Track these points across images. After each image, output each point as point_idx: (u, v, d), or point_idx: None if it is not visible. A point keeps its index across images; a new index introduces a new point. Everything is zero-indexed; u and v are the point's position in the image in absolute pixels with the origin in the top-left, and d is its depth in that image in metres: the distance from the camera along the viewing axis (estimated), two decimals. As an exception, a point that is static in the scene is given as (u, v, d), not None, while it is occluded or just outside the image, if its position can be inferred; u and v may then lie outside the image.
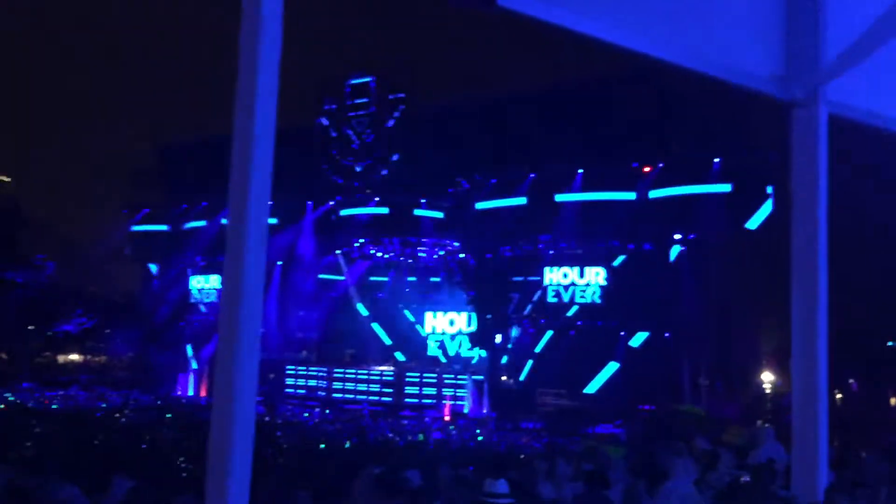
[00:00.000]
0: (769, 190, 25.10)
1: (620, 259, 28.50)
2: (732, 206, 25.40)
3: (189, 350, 37.19)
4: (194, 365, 37.04)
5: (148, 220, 39.78)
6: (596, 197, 27.92)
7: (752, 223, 25.30)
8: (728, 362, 28.44)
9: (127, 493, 7.04)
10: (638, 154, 27.33)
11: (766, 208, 25.22)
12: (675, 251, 27.38)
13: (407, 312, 35.31)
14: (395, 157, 33.80)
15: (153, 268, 40.35)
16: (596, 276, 29.11)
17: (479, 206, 30.39)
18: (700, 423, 18.03)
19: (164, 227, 38.75)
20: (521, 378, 29.78)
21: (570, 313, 29.42)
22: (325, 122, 35.50)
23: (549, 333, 29.57)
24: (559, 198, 28.57)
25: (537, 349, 29.64)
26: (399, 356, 34.12)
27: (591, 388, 27.90)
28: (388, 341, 34.96)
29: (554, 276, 29.80)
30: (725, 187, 25.69)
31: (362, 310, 35.50)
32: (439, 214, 32.36)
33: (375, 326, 35.09)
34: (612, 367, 27.76)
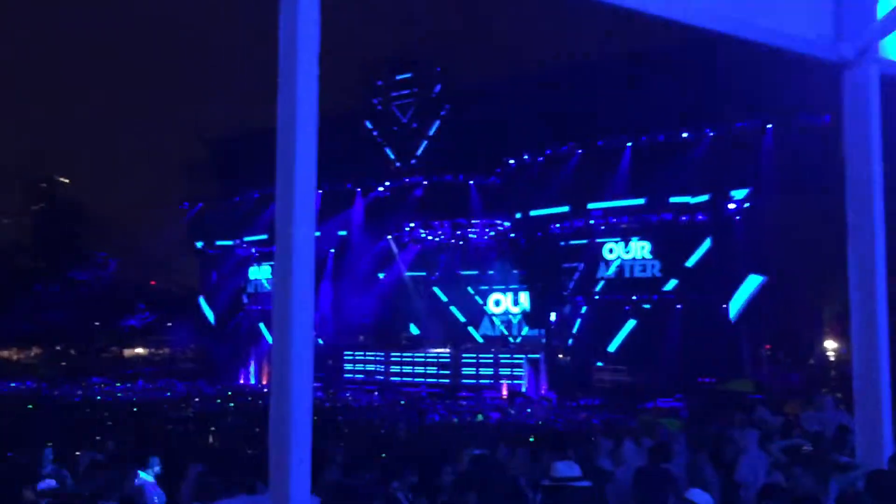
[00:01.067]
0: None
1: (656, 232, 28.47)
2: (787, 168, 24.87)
3: (262, 331, 37.89)
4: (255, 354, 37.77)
5: (204, 213, 40.58)
6: (623, 204, 28.39)
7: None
8: (790, 331, 27.89)
9: (198, 477, 7.31)
10: (687, 124, 26.90)
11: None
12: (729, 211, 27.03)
13: (471, 291, 35.42)
14: (439, 140, 33.83)
15: (211, 261, 41.17)
16: (645, 248, 28.81)
17: (532, 213, 30.75)
18: (754, 394, 17.79)
19: (219, 219, 39.53)
20: (572, 352, 29.90)
21: (601, 287, 29.45)
22: (370, 106, 35.67)
23: (586, 308, 29.70)
24: (591, 206, 29.04)
25: (580, 320, 29.68)
26: (475, 334, 34.36)
27: (612, 346, 28.15)
28: (462, 318, 35.10)
29: (606, 250, 29.55)
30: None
31: (439, 294, 35.69)
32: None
33: (453, 309, 35.30)
34: (630, 325, 28.10)
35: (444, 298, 35.61)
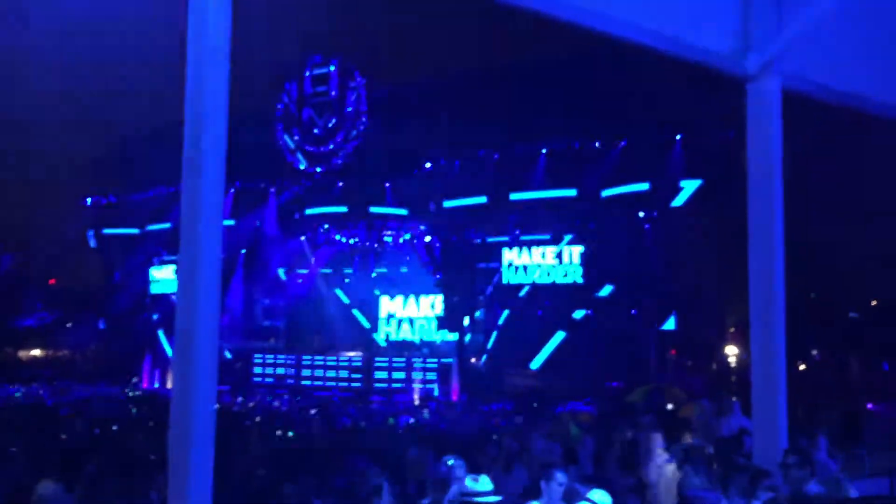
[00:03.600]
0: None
1: (568, 238, 28.90)
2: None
3: (159, 340, 36.82)
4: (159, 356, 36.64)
5: (108, 211, 39.26)
6: (549, 195, 28.54)
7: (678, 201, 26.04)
8: (693, 337, 28.82)
9: (89, 478, 7.04)
10: (600, 133, 27.56)
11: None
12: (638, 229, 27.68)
13: (390, 298, 35.17)
14: (356, 143, 33.60)
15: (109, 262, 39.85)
16: (559, 254, 29.32)
17: (446, 204, 30.78)
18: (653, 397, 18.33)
19: (122, 216, 38.31)
20: (485, 358, 30.03)
21: (523, 293, 29.79)
22: (286, 105, 35.16)
23: (507, 313, 29.92)
24: (514, 196, 29.28)
25: (499, 324, 29.92)
26: (379, 340, 34.10)
27: (536, 363, 28.40)
28: (367, 325, 34.82)
29: (517, 256, 29.90)
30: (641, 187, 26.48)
31: (342, 297, 35.28)
32: (403, 212, 32.43)
33: (356, 312, 34.95)
34: (558, 337, 28.28)
35: (347, 301, 35.27)
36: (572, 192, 28.22)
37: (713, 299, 28.41)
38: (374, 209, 32.60)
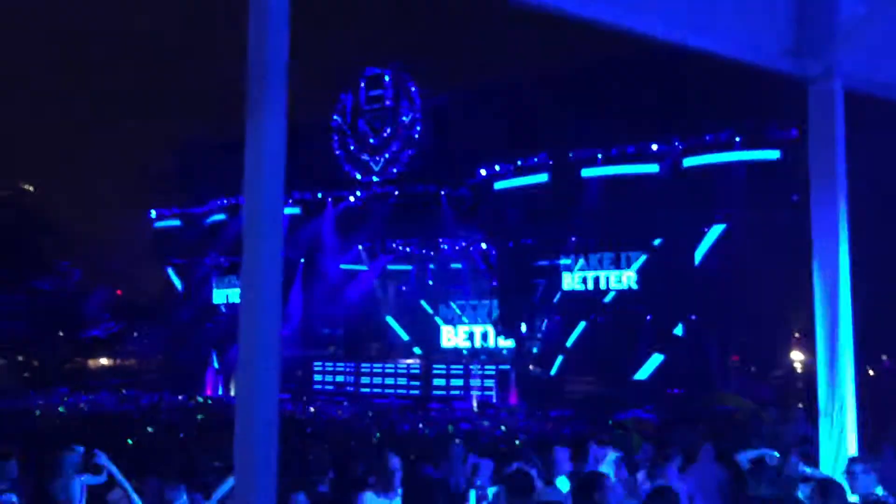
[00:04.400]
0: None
1: (648, 250, 27.97)
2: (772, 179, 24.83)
3: (214, 352, 37.56)
4: (217, 365, 37.39)
5: (172, 223, 40.19)
6: (624, 170, 27.06)
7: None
8: (758, 342, 28.15)
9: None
10: (660, 135, 26.99)
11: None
12: (713, 232, 26.68)
13: (426, 305, 35.30)
14: (411, 151, 33.80)
15: (174, 273, 40.68)
16: (626, 260, 28.63)
17: (498, 185, 29.53)
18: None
19: (185, 227, 39.14)
20: (553, 370, 29.13)
21: (602, 299, 28.78)
22: (340, 118, 35.59)
23: (580, 323, 28.81)
24: (585, 172, 27.39)
25: (568, 340, 29.00)
26: (417, 351, 34.20)
27: (641, 374, 27.32)
28: (405, 337, 35.04)
29: (580, 263, 29.45)
30: (773, 153, 24.96)
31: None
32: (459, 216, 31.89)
33: (390, 321, 35.14)
34: (656, 360, 27.15)
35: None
36: (654, 168, 26.59)
37: (778, 305, 27.76)
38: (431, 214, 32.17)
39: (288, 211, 33.53)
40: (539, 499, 5.43)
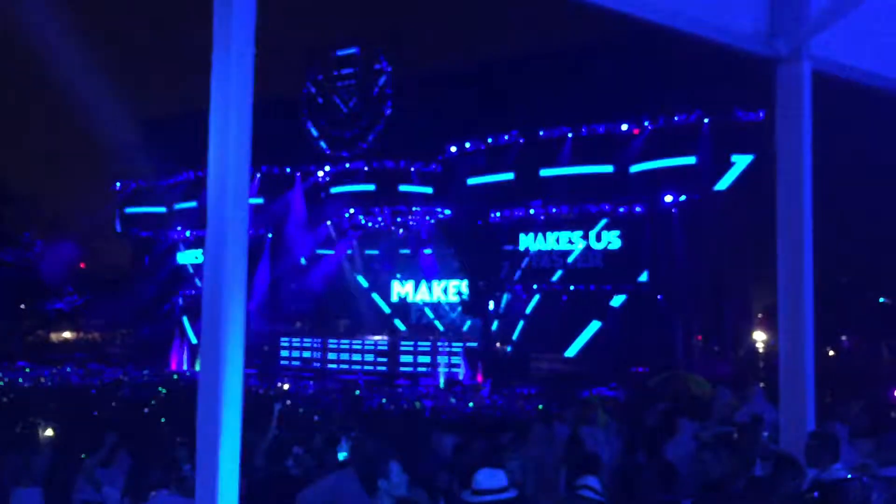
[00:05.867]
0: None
1: (603, 223, 28.68)
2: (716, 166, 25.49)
3: (184, 324, 37.26)
4: (187, 339, 37.11)
5: (136, 195, 39.67)
6: (580, 171, 28.02)
7: (722, 184, 25.59)
8: (720, 322, 28.62)
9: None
10: (626, 116, 27.26)
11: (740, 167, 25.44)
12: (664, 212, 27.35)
13: (401, 282, 35.32)
14: (381, 126, 33.59)
15: (138, 246, 40.23)
16: (584, 239, 29.16)
17: (470, 181, 30.39)
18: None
19: (150, 200, 38.65)
20: (513, 341, 29.90)
21: (556, 277, 29.58)
22: (311, 91, 35.22)
23: (538, 298, 29.68)
24: (544, 172, 28.70)
25: (528, 313, 29.78)
26: (399, 325, 34.27)
27: (572, 350, 28.19)
28: (387, 310, 35.02)
29: (544, 240, 29.81)
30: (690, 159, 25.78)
31: (362, 281, 35.49)
32: (428, 190, 32.31)
33: (375, 296, 35.13)
34: (594, 327, 28.00)
35: (367, 285, 35.46)
36: (608, 168, 27.65)
37: (741, 284, 28.21)
38: (401, 188, 32.41)
39: (255, 185, 33.23)
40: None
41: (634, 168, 27.22)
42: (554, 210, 29.39)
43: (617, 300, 27.95)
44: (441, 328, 33.58)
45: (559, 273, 29.53)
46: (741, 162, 25.39)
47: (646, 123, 27.17)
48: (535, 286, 29.96)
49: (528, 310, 29.91)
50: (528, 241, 30.15)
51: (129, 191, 40.21)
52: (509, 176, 29.53)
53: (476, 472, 5.22)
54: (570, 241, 29.48)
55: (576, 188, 28.03)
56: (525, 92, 28.36)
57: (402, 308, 34.87)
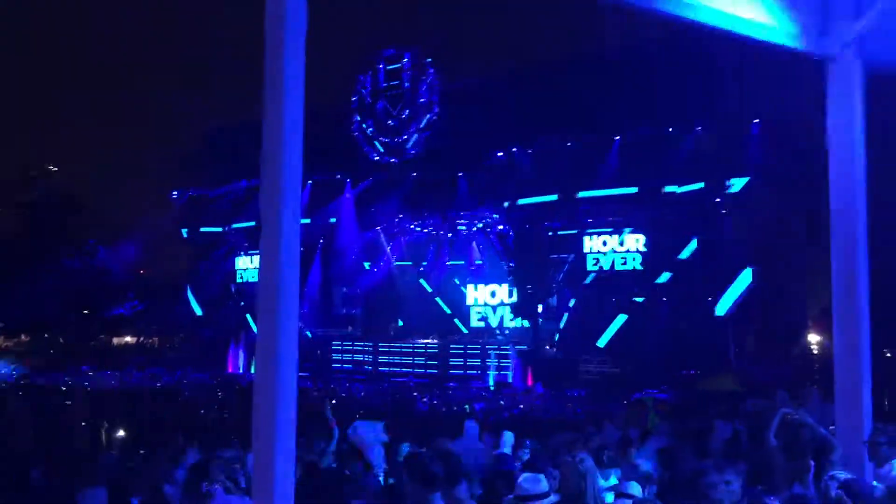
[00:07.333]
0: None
1: (628, 231, 28.44)
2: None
3: (243, 328, 37.82)
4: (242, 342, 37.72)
5: (194, 202, 40.43)
6: (610, 193, 28.01)
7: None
8: (776, 324, 28.04)
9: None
10: (676, 120, 26.86)
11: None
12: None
13: (474, 286, 35.39)
14: (429, 133, 33.73)
15: (197, 254, 41.00)
16: (636, 242, 28.77)
17: (520, 202, 30.44)
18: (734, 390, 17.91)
19: (207, 208, 39.36)
20: (561, 344, 29.74)
21: (600, 279, 29.29)
22: (360, 98, 35.55)
23: (586, 300, 29.41)
24: (582, 194, 28.67)
25: (576, 316, 29.54)
26: (461, 326, 34.47)
27: (602, 341, 27.94)
28: (448, 310, 35.16)
29: (593, 243, 29.53)
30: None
31: (425, 286, 35.72)
32: (475, 195, 32.19)
33: (439, 300, 35.34)
34: (620, 320, 27.76)
35: (430, 290, 35.65)
36: (633, 190, 27.54)
37: (796, 286, 27.63)
38: (450, 193, 32.43)
39: (306, 193, 33.66)
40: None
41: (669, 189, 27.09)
42: (602, 211, 29.01)
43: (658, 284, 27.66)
44: (497, 332, 33.68)
45: (605, 275, 29.12)
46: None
47: (695, 126, 26.74)
48: (581, 289, 29.66)
49: (576, 313, 29.65)
50: (576, 245, 29.87)
51: (185, 199, 41.03)
52: (553, 198, 29.42)
53: (519, 478, 5.23)
54: (620, 244, 29.10)
55: (617, 202, 27.80)
56: (572, 98, 28.14)
57: (465, 311, 35.02)
